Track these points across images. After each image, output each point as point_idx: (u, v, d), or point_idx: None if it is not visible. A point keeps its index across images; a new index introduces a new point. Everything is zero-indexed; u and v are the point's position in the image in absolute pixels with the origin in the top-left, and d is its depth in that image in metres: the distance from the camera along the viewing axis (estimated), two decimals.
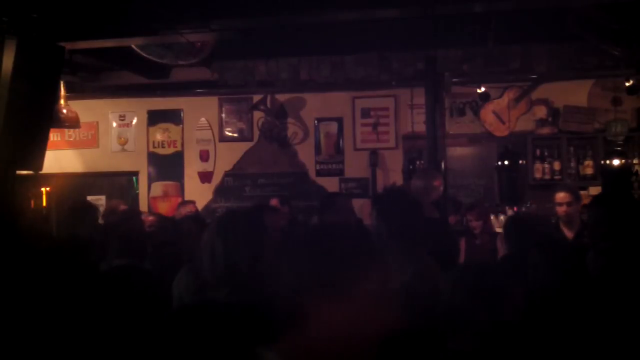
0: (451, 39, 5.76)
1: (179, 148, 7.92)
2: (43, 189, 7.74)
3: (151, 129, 7.97)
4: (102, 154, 8.04)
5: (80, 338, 2.08)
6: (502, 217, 6.75)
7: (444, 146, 6.44)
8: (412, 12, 4.29)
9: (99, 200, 7.51)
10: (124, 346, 2.02)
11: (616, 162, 6.68)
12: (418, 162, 7.00)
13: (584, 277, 2.66)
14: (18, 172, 4.46)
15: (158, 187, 7.90)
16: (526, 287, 2.15)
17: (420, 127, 6.74)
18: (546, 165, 7.07)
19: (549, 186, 6.73)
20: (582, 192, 5.41)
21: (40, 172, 4.53)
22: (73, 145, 8.05)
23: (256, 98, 7.55)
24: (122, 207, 6.27)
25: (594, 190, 6.53)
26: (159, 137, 7.95)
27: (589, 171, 6.98)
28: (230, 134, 7.83)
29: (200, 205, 7.05)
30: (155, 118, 7.96)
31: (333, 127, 7.67)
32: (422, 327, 1.96)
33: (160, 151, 7.94)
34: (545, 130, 7.15)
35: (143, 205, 7.78)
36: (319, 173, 7.65)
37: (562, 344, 2.22)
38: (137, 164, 7.98)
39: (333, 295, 1.24)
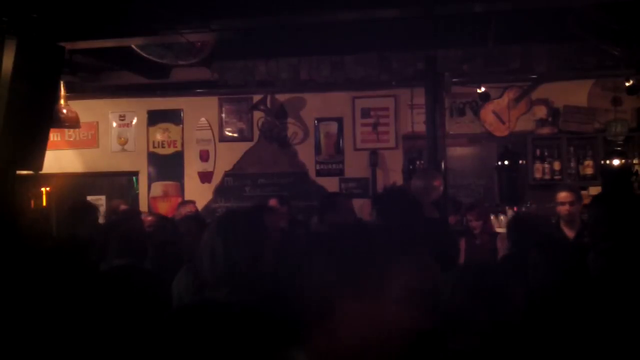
0: (451, 39, 5.76)
1: (179, 148, 7.92)
2: (43, 189, 7.74)
3: (151, 129, 7.97)
4: (102, 154, 8.04)
5: (80, 338, 2.08)
6: (502, 217, 6.76)
7: (444, 146, 6.44)
8: (412, 12, 4.29)
9: (99, 200, 7.51)
10: (124, 346, 2.01)
11: (616, 162, 6.68)
12: (418, 162, 7.00)
13: (584, 277, 2.66)
14: (18, 172, 4.46)
15: (158, 187, 7.90)
16: (526, 287, 2.14)
17: (420, 127, 6.74)
18: (546, 165, 7.07)
19: (549, 186, 6.73)
20: (582, 192, 5.41)
21: (40, 172, 4.53)
22: (73, 145, 8.05)
23: (256, 98, 7.54)
24: (124, 207, 6.28)
25: (594, 190, 6.53)
26: (159, 137, 7.95)
27: (589, 171, 6.98)
28: (230, 134, 7.83)
29: (200, 205, 7.05)
30: (155, 118, 7.96)
31: (333, 127, 7.67)
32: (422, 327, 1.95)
33: (160, 151, 7.94)
34: (545, 130, 7.15)
35: (143, 205, 7.77)
36: (319, 173, 7.65)
37: (563, 344, 2.22)
38: (137, 164, 7.98)
39: (362, 295, 1.24)
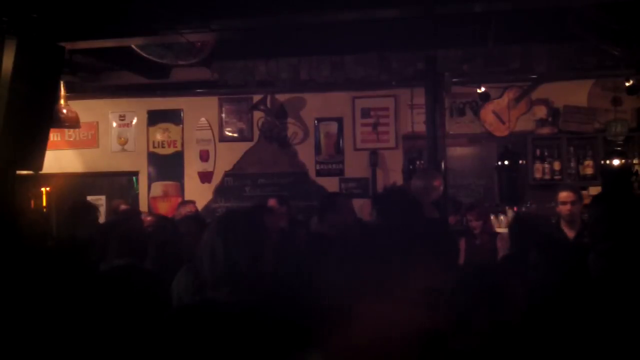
0: (451, 39, 5.76)
1: (179, 148, 7.92)
2: (43, 189, 7.74)
3: (151, 129, 7.97)
4: (102, 154, 8.04)
5: (81, 338, 2.08)
6: (502, 217, 6.76)
7: (444, 146, 6.44)
8: (412, 12, 4.28)
9: (99, 200, 7.52)
10: (125, 346, 2.02)
11: (616, 162, 6.68)
12: (418, 162, 7.00)
13: (584, 277, 2.66)
14: (18, 172, 4.46)
15: (158, 187, 7.90)
16: (526, 288, 2.14)
17: (420, 127, 6.74)
18: (546, 165, 7.07)
19: (549, 186, 6.74)
20: (582, 192, 5.41)
21: (40, 172, 4.53)
22: (73, 145, 8.05)
23: (256, 98, 7.55)
24: (124, 207, 6.28)
25: (594, 190, 6.53)
26: (159, 137, 7.95)
27: (589, 171, 6.99)
28: (230, 134, 7.83)
29: (200, 205, 7.05)
30: (155, 118, 7.96)
31: (333, 127, 7.67)
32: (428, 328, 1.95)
33: (160, 151, 7.94)
34: (545, 130, 7.15)
35: (143, 205, 7.78)
36: (319, 173, 7.65)
37: (563, 344, 2.22)
38: (137, 164, 7.98)
39: (379, 296, 1.24)
